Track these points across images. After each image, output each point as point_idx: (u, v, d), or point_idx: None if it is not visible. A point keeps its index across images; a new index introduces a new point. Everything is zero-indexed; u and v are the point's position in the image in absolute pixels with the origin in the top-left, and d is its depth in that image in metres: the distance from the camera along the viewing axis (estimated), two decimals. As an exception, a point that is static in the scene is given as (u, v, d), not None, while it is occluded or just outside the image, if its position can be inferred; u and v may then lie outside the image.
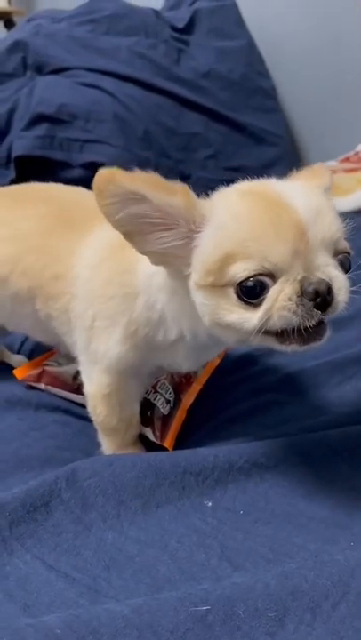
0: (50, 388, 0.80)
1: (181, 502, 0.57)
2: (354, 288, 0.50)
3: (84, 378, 0.68)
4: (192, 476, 0.58)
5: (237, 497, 0.57)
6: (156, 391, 0.75)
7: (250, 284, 0.48)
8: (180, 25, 1.88)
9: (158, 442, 0.70)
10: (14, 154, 1.60)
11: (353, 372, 0.81)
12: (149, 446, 0.71)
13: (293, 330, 0.49)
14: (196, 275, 0.52)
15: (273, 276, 0.48)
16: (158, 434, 0.71)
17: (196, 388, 0.79)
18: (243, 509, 0.56)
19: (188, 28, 1.88)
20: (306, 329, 0.48)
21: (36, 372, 0.81)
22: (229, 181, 1.99)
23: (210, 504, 0.56)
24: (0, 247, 0.72)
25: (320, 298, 0.47)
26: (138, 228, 0.52)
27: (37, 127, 1.62)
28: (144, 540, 0.52)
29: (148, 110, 1.69)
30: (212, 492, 0.57)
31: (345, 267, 0.51)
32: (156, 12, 1.90)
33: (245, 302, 0.49)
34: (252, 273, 0.48)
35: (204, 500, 0.57)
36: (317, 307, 0.48)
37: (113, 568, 0.50)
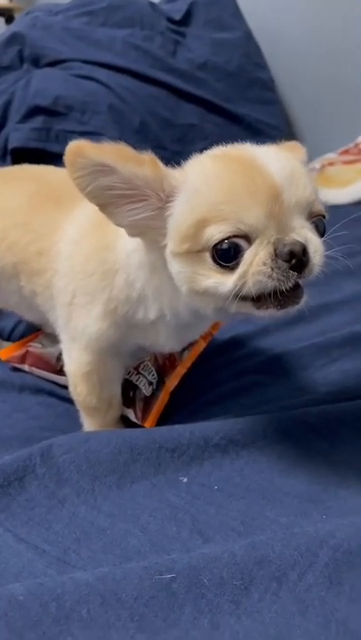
0: (34, 369, 0.81)
1: (157, 478, 0.56)
2: (328, 253, 0.50)
3: (65, 356, 0.69)
4: (168, 452, 0.58)
5: (213, 473, 0.57)
6: (138, 372, 0.74)
7: (225, 246, 0.48)
8: (177, 17, 1.87)
9: (139, 422, 0.70)
10: (10, 146, 1.61)
11: (338, 354, 0.81)
12: (131, 427, 0.71)
13: (270, 294, 0.48)
14: (171, 243, 0.52)
15: (248, 239, 0.48)
16: (140, 414, 0.71)
17: (180, 371, 0.79)
18: (218, 485, 0.55)
19: (185, 19, 1.88)
20: (282, 293, 0.48)
21: (19, 352, 0.82)
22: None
23: (185, 480, 0.56)
24: None
25: (295, 259, 0.47)
26: (109, 201, 0.51)
27: (34, 119, 1.63)
28: (116, 514, 0.52)
29: (144, 102, 1.69)
30: (187, 469, 0.57)
31: (320, 230, 0.51)
32: (152, 4, 1.90)
33: (221, 266, 0.49)
34: (227, 235, 0.47)
35: (179, 477, 0.57)
36: (293, 268, 0.47)
37: (83, 540, 0.50)
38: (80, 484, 0.55)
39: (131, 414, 0.71)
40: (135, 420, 0.71)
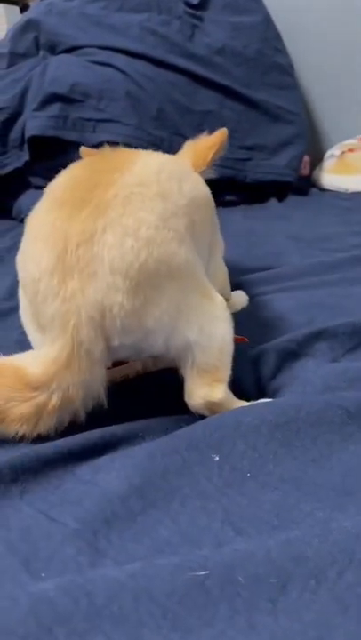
0: None
1: (188, 453, 0.55)
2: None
3: None
4: (198, 427, 0.58)
5: (246, 453, 0.55)
6: None
7: None
8: (195, 0, 1.84)
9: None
10: (27, 134, 1.59)
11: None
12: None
13: None
14: None
15: None
16: None
17: None
18: (250, 472, 0.53)
19: (203, 3, 1.84)
20: None
21: None
22: (245, 160, 1.96)
23: (217, 458, 0.54)
24: None
25: None
26: None
27: (50, 107, 1.61)
28: (147, 497, 0.51)
29: (162, 88, 1.66)
30: (219, 446, 0.56)
31: None
32: (170, -12, 1.86)
33: None
34: None
35: (211, 454, 0.55)
36: None
37: (114, 523, 0.48)
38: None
39: None
40: None
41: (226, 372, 0.62)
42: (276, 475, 0.53)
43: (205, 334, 0.60)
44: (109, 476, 0.53)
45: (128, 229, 0.56)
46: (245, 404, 0.64)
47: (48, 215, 0.61)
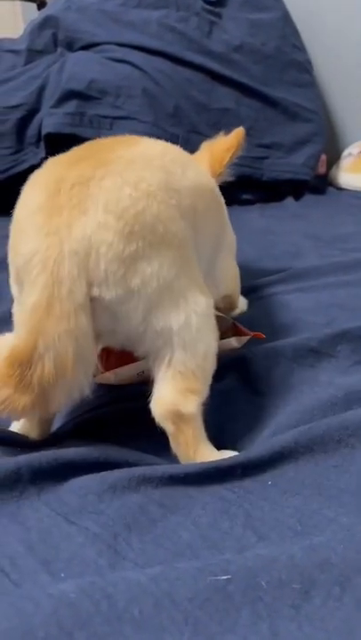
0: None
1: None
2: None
3: None
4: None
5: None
6: None
7: None
8: (213, -3, 1.83)
9: (251, 335, 0.72)
10: (44, 131, 1.59)
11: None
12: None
13: None
14: None
15: None
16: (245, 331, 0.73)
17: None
18: (271, 480, 0.53)
19: (221, 0, 1.83)
20: None
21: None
22: (262, 158, 1.94)
23: (239, 471, 0.54)
24: None
25: None
26: None
27: (67, 104, 1.61)
28: (167, 505, 0.50)
29: (179, 85, 1.65)
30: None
31: None
32: (188, -15, 1.85)
33: None
34: None
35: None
36: None
37: (134, 528, 0.48)
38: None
39: (235, 341, 0.71)
40: (244, 341, 0.72)
41: (203, 385, 0.55)
42: (298, 481, 0.52)
43: (192, 329, 0.53)
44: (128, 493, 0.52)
45: (129, 181, 0.52)
46: (215, 451, 0.57)
47: (44, 170, 0.59)
